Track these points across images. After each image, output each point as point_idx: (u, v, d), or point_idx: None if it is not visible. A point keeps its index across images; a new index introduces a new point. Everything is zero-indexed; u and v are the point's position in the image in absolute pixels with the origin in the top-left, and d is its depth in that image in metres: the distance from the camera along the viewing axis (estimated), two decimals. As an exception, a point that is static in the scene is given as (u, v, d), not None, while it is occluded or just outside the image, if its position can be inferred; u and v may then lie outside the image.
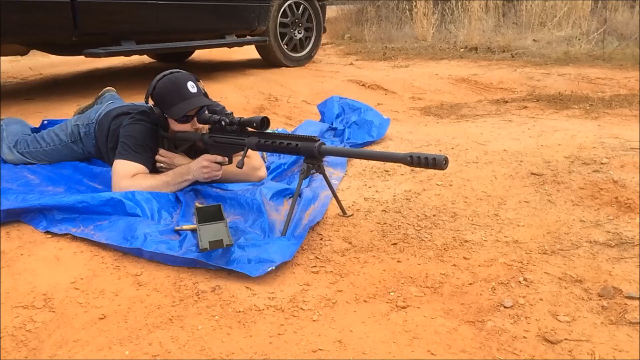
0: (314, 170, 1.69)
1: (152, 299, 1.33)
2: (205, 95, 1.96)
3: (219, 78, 4.26)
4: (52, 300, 1.32)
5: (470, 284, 1.40)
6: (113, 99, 2.48)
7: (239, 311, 1.29)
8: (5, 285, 1.38)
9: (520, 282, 1.40)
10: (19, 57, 5.12)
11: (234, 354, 1.14)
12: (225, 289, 1.38)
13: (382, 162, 2.30)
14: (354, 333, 1.20)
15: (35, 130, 2.37)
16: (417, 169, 2.01)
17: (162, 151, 1.94)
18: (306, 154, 1.67)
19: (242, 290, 1.37)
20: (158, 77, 1.92)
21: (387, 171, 2.26)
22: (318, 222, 1.74)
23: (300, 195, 1.81)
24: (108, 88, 2.64)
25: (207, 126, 1.91)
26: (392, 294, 1.36)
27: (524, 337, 1.18)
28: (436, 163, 1.40)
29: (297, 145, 1.67)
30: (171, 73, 1.93)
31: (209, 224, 1.55)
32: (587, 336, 1.18)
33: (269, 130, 1.77)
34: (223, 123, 1.81)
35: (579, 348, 1.14)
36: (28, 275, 1.43)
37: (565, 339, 1.17)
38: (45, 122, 2.49)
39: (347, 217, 1.81)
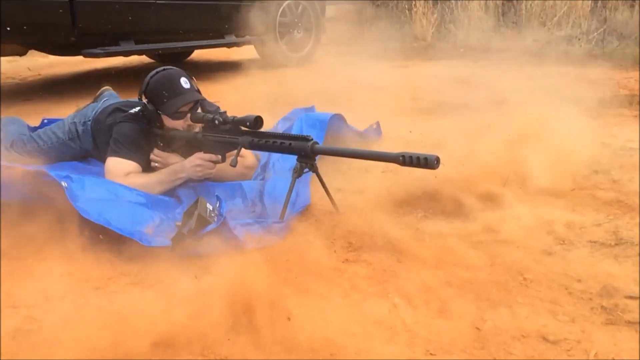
0: (307, 169, 1.69)
1: (149, 299, 1.33)
2: (199, 91, 1.97)
3: (217, 78, 4.26)
4: (51, 300, 1.32)
5: (470, 283, 1.40)
6: (110, 97, 2.48)
7: (237, 311, 1.28)
8: (4, 285, 1.37)
9: (519, 282, 1.39)
10: (17, 57, 5.11)
11: (233, 355, 1.13)
12: (225, 287, 1.37)
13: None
14: (353, 333, 1.20)
15: (34, 130, 2.36)
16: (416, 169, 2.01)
17: (156, 151, 1.94)
18: (299, 152, 1.67)
19: (241, 290, 1.37)
20: (151, 73, 1.94)
21: (384, 171, 2.25)
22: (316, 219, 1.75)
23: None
24: (105, 87, 2.64)
25: (200, 125, 1.91)
26: (390, 295, 1.36)
27: (524, 337, 1.18)
28: (428, 162, 1.40)
29: (290, 144, 1.68)
30: (164, 70, 1.94)
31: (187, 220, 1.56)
32: (587, 336, 1.17)
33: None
34: (216, 122, 1.81)
35: (579, 348, 1.14)
36: (27, 275, 1.42)
37: (565, 339, 1.16)
38: (45, 120, 2.48)
39: (344, 216, 1.81)
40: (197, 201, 1.59)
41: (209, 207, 1.58)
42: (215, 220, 1.55)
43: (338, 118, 2.37)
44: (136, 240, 1.51)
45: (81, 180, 1.69)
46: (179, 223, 1.65)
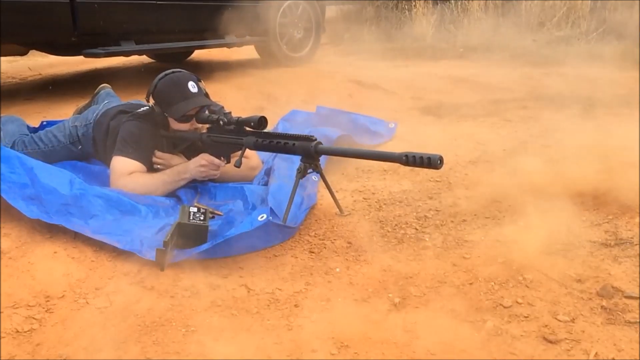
0: (311, 170, 1.69)
1: (149, 298, 1.33)
2: (206, 95, 1.98)
3: (218, 78, 4.25)
4: (51, 300, 1.32)
5: (470, 284, 1.40)
6: (109, 98, 2.48)
7: (237, 311, 1.28)
8: (4, 285, 1.37)
9: (519, 282, 1.39)
10: (18, 57, 5.11)
11: (233, 354, 1.13)
12: (224, 287, 1.38)
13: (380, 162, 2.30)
14: (353, 333, 1.20)
15: (33, 131, 2.37)
16: (417, 168, 2.02)
17: (157, 153, 1.95)
18: (303, 153, 1.67)
19: (241, 290, 1.37)
20: (159, 76, 1.95)
21: (386, 171, 2.26)
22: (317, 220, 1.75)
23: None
24: (103, 85, 2.64)
25: (205, 125, 1.92)
26: (390, 295, 1.36)
27: (524, 337, 1.18)
28: (431, 162, 1.41)
29: (294, 144, 1.68)
30: (173, 72, 1.95)
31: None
32: (587, 336, 1.17)
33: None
34: (221, 122, 1.82)
35: (579, 348, 1.14)
36: (27, 275, 1.42)
37: (565, 339, 1.17)
38: (44, 122, 2.48)
39: (345, 216, 1.81)
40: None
41: (192, 210, 1.56)
42: (202, 218, 1.54)
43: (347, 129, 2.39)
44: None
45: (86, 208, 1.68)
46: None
